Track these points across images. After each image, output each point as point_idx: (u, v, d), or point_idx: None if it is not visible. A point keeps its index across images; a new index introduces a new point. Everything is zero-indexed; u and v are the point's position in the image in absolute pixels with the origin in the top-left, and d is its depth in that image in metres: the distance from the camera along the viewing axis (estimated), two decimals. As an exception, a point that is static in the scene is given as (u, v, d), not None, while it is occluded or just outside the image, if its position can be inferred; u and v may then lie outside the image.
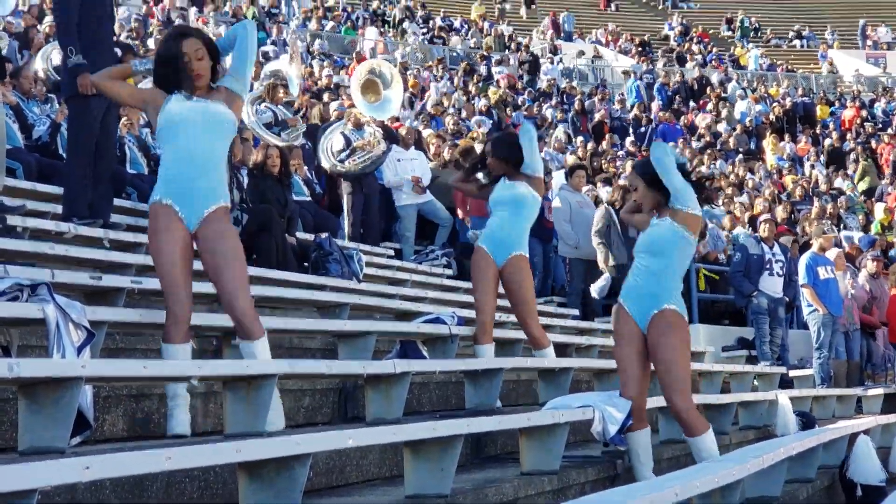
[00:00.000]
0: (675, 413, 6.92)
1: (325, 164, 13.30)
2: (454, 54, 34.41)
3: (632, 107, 30.13)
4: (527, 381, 9.04)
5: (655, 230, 6.91)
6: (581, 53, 37.63)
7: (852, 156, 28.61)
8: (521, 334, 9.18)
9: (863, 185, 26.43)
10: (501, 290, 8.35)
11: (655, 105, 30.68)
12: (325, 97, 19.28)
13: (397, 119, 16.72)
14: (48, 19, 17.14)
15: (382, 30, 35.97)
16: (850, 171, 27.24)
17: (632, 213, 7.35)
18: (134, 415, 5.76)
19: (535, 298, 8.73)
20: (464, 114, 23.97)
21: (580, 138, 25.27)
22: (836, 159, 28.41)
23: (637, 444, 6.99)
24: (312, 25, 33.66)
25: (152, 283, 7.01)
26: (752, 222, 16.89)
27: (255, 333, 5.87)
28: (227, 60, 6.23)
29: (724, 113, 31.29)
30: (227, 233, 5.97)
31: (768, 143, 29.23)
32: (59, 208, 9.24)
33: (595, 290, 13.52)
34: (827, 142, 29.77)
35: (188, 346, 5.81)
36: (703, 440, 6.80)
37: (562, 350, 9.82)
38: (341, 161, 13.16)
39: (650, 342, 6.87)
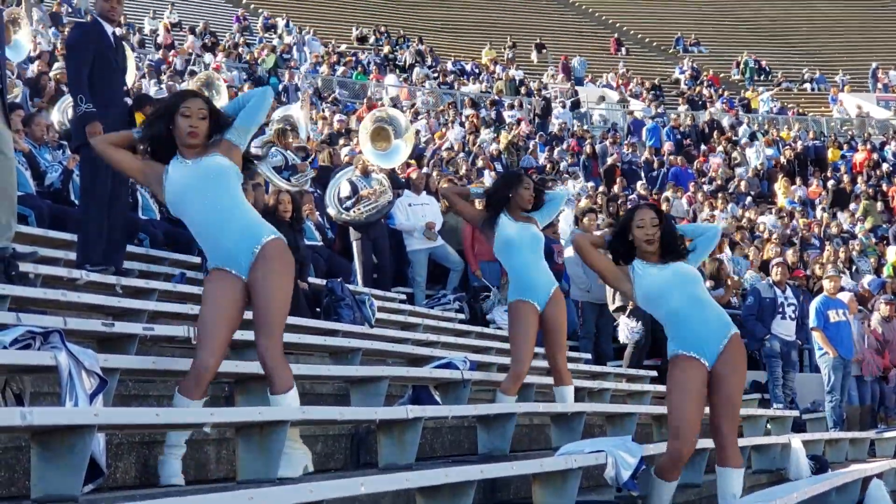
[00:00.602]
0: (722, 439, 6.82)
1: (331, 212, 13.35)
2: (465, 99, 34.55)
3: (651, 149, 30.16)
4: (539, 425, 9.02)
5: (677, 268, 6.86)
6: (602, 99, 37.78)
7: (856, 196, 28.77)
8: (534, 378, 9.18)
9: (866, 225, 26.51)
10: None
11: (667, 148, 30.75)
12: (340, 142, 19.35)
13: (408, 165, 16.77)
14: (58, 65, 17.26)
15: (401, 76, 36.17)
16: (854, 212, 27.32)
17: (594, 245, 7.21)
18: (146, 462, 5.76)
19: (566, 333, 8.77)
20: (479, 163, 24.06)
21: (591, 183, 25.31)
22: (840, 200, 28.49)
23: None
24: (323, 70, 33.86)
25: (164, 330, 7.05)
26: (765, 266, 16.87)
27: (280, 388, 5.73)
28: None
29: (735, 156, 31.35)
30: (270, 273, 5.80)
31: (780, 186, 29.25)
32: (71, 255, 9.28)
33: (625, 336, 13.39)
34: (830, 183, 29.79)
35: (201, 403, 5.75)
36: (737, 474, 6.79)
37: (574, 394, 9.80)
38: (346, 209, 13.20)
39: (726, 369, 6.77)
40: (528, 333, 8.22)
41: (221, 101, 12.96)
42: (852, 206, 27.84)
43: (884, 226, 26.87)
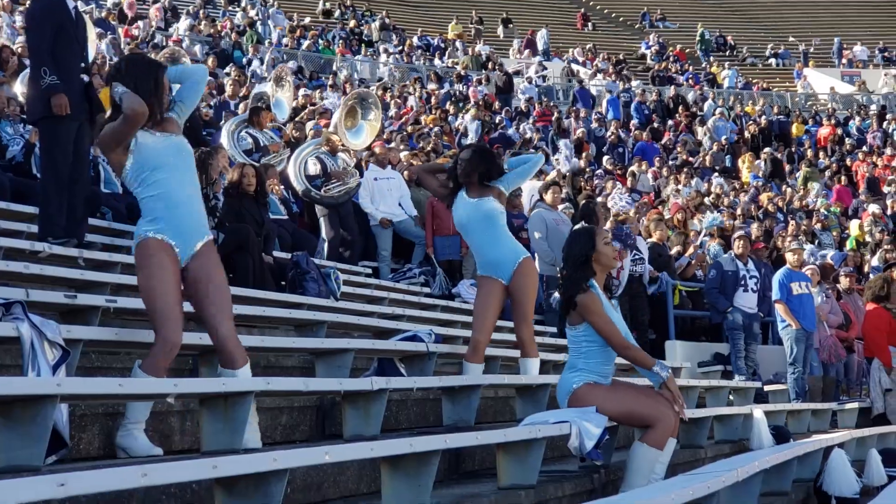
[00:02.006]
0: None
1: (298, 187, 13.25)
2: (431, 74, 34.47)
3: (610, 122, 30.24)
4: (504, 397, 9.06)
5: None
6: (569, 72, 37.79)
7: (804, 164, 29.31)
8: (498, 351, 9.22)
9: (809, 191, 27.21)
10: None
11: (633, 124, 30.86)
12: (303, 116, 19.30)
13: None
14: (20, 39, 17.12)
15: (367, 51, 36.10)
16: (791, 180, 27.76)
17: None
18: (110, 433, 5.76)
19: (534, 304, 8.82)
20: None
21: (556, 157, 25.33)
22: (777, 171, 28.77)
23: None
24: (287, 42, 33.71)
25: (127, 302, 7.03)
26: (727, 239, 16.98)
27: (238, 363, 5.91)
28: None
29: (699, 131, 31.47)
30: (214, 266, 6.02)
31: (744, 160, 29.39)
32: (33, 228, 9.25)
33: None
34: (766, 151, 29.96)
35: None
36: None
37: (539, 366, 9.84)
38: (316, 187, 13.16)
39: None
40: (485, 304, 8.28)
41: None
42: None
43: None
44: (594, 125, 29.79)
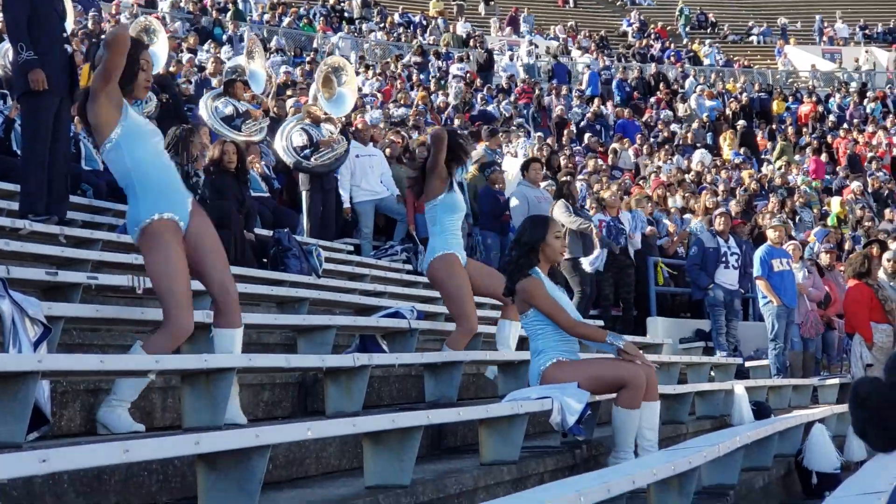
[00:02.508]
0: None
1: (288, 160, 13.24)
2: (416, 47, 34.38)
3: (590, 98, 30.25)
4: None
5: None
6: (563, 49, 37.76)
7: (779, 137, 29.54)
8: (480, 327, 9.20)
9: (780, 164, 27.35)
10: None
11: (612, 101, 30.87)
12: (287, 93, 19.25)
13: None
14: (-1, 15, 17.00)
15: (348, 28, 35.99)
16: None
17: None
18: (91, 410, 5.74)
19: None
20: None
21: (539, 134, 25.34)
22: (748, 141, 29.04)
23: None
24: (268, 19, 33.59)
25: (108, 279, 7.01)
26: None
27: (238, 321, 6.02)
28: None
29: (680, 108, 31.50)
30: (208, 222, 6.09)
31: (725, 138, 29.44)
32: (13, 205, 9.21)
33: (588, 263, 13.54)
34: (741, 124, 30.06)
35: None
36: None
37: (521, 343, 9.85)
38: (305, 157, 13.14)
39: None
40: (468, 290, 8.31)
41: (159, 44, 12.80)
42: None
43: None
44: (575, 102, 29.77)
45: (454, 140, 8.39)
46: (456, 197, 8.37)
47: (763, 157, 29.33)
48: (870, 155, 28.79)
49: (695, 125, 29.73)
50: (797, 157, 28.45)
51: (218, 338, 5.96)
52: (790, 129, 31.54)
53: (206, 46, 25.36)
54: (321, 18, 36.00)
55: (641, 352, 7.45)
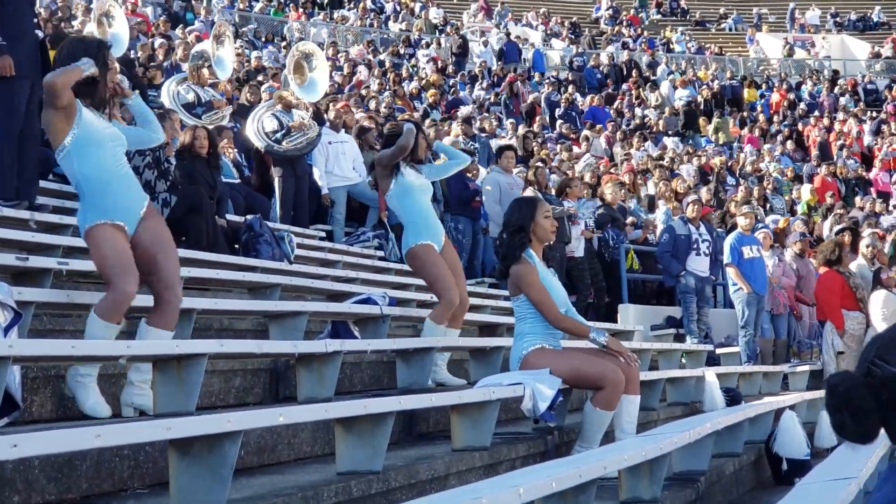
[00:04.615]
0: None
1: (259, 144, 13.18)
2: (385, 37, 34.34)
3: (561, 85, 30.35)
4: (458, 360, 9.08)
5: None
6: (521, 39, 37.81)
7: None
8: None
9: (719, 140, 28.15)
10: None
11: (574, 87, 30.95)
12: (259, 78, 19.18)
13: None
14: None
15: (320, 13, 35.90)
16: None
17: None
18: (62, 395, 5.72)
19: None
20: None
21: (511, 121, 25.34)
22: (690, 122, 29.41)
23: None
24: (240, 5, 33.45)
25: (79, 265, 6.98)
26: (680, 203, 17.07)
27: (174, 325, 6.02)
28: None
29: (651, 96, 31.55)
30: (163, 225, 6.12)
31: (709, 129, 29.55)
32: (-17, 191, 9.13)
33: None
34: (680, 99, 30.19)
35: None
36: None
37: (493, 329, 9.89)
38: (277, 141, 13.09)
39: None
40: (445, 270, 8.30)
41: (118, 27, 12.71)
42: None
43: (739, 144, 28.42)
44: (548, 90, 29.77)
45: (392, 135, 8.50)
46: (405, 180, 8.37)
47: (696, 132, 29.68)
48: (840, 143, 28.92)
49: (666, 113, 29.79)
50: (767, 146, 28.54)
51: (151, 335, 5.90)
52: (761, 117, 31.64)
53: (178, 31, 25.23)
54: (291, 4, 35.88)
55: (626, 348, 7.45)
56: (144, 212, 5.95)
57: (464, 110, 23.66)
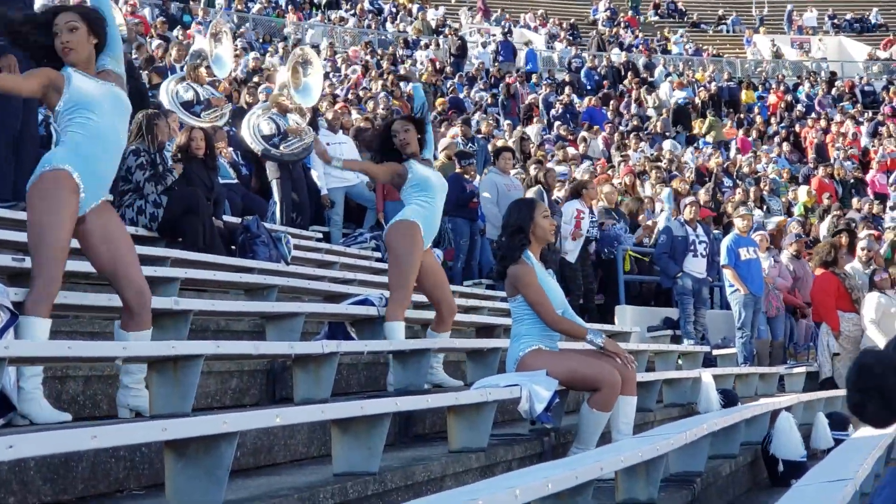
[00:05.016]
0: None
1: (257, 148, 13.17)
2: (382, 38, 34.35)
3: (560, 86, 30.37)
4: (455, 361, 9.08)
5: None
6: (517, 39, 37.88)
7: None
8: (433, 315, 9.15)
9: (709, 139, 28.16)
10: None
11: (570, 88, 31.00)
12: (255, 79, 19.17)
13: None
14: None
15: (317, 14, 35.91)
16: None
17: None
18: (59, 397, 5.72)
19: None
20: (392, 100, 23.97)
21: (508, 122, 25.35)
22: (682, 119, 29.75)
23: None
24: (237, 6, 33.46)
25: (75, 265, 6.96)
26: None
27: (149, 322, 5.80)
28: None
29: (649, 98, 31.57)
30: (121, 223, 5.91)
31: (701, 128, 29.57)
32: (-20, 191, 9.12)
33: None
34: (673, 101, 30.21)
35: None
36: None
37: (490, 331, 9.89)
38: (274, 145, 13.09)
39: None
40: (415, 260, 7.95)
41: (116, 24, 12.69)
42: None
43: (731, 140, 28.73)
44: (545, 91, 29.78)
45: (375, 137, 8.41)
46: (419, 174, 8.08)
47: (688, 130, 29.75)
48: (836, 144, 28.94)
49: (664, 114, 29.83)
50: (765, 147, 28.56)
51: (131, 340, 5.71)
52: (759, 119, 31.65)
53: (175, 32, 25.24)
54: (291, 7, 35.89)
55: (623, 349, 7.46)
56: (103, 203, 5.69)
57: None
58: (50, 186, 5.47)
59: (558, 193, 15.59)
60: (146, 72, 14.79)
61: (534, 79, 31.64)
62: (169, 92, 13.04)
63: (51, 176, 5.49)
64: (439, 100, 25.80)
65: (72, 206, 5.49)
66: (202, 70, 13.43)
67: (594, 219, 14.63)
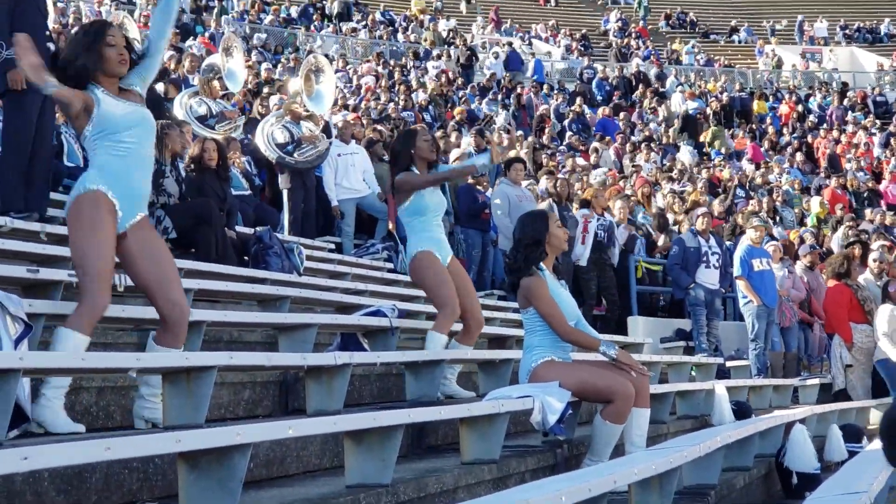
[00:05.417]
0: None
1: (271, 156, 13.22)
2: (394, 49, 34.40)
3: (572, 97, 30.37)
4: (467, 372, 9.07)
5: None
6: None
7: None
8: (459, 327, 9.20)
9: (715, 148, 28.39)
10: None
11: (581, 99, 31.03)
12: (265, 90, 19.22)
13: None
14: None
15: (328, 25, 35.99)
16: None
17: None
18: (72, 408, 5.72)
19: None
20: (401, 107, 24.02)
21: (520, 132, 25.35)
22: (689, 128, 29.61)
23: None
24: (250, 15, 33.55)
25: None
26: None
27: (182, 342, 5.85)
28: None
29: (661, 108, 31.57)
30: (160, 239, 6.00)
31: (706, 137, 29.53)
32: (-7, 203, 9.15)
33: None
34: (682, 109, 30.16)
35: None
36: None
37: (502, 342, 9.87)
38: (288, 153, 13.11)
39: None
40: (447, 279, 8.18)
41: (131, 36, 12.78)
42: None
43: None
44: (557, 101, 29.80)
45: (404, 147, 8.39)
46: (423, 201, 8.22)
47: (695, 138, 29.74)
48: (849, 155, 28.90)
49: (675, 125, 29.82)
50: (777, 158, 28.52)
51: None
52: (771, 129, 31.62)
53: (188, 43, 25.31)
54: (302, 19, 35.99)
55: (637, 361, 7.44)
56: (141, 218, 5.77)
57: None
58: (87, 208, 5.57)
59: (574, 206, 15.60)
60: (162, 83, 14.83)
61: (545, 89, 31.63)
62: (183, 105, 13.09)
63: (86, 198, 5.59)
64: (458, 109, 25.82)
65: (110, 226, 5.59)
66: (215, 83, 13.46)
67: (603, 223, 14.64)
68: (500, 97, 29.46)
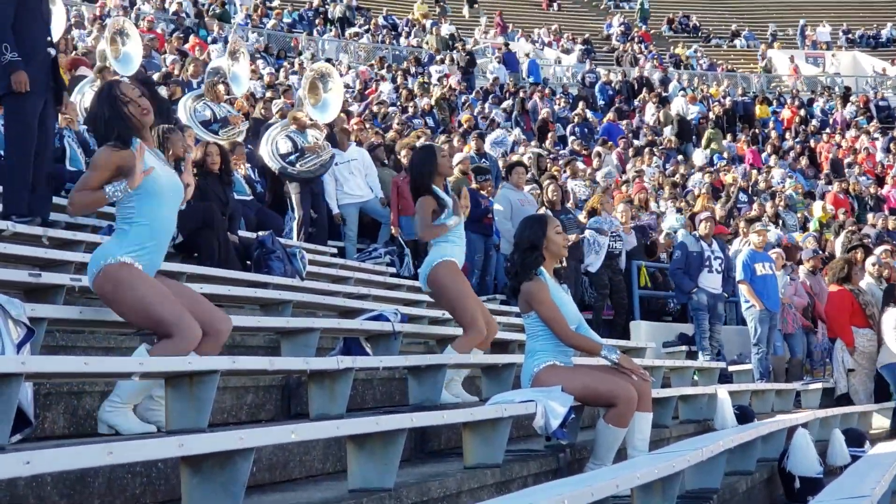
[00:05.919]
0: None
1: (274, 166, 13.20)
2: (397, 53, 34.42)
3: (575, 102, 30.39)
4: (470, 377, 9.07)
5: None
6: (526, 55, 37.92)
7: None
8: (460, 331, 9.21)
9: (709, 151, 28.37)
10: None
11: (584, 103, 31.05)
12: (269, 94, 19.23)
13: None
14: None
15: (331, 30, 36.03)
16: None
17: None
18: (75, 412, 5.72)
19: None
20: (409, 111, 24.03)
21: (523, 137, 25.35)
22: (684, 133, 29.85)
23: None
24: (253, 19, 33.58)
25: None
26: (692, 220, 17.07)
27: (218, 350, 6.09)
28: None
29: (662, 112, 31.57)
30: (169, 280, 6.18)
31: (703, 142, 29.57)
32: (-5, 207, 9.16)
33: None
34: (675, 113, 30.21)
35: None
36: None
37: (504, 346, 9.87)
38: (291, 164, 13.10)
39: None
40: (470, 291, 8.26)
41: (132, 45, 12.80)
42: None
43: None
44: (560, 106, 29.80)
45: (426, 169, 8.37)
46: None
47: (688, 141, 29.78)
48: (850, 160, 28.89)
49: (670, 128, 29.86)
50: (780, 162, 28.52)
51: None
52: (773, 134, 31.61)
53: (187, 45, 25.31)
54: (302, 23, 36.02)
55: (639, 365, 7.44)
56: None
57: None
58: (127, 274, 5.78)
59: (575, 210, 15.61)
60: (167, 86, 14.86)
61: (546, 93, 31.63)
62: (187, 109, 13.09)
63: (114, 268, 5.79)
64: (464, 116, 25.81)
65: (145, 276, 5.82)
66: (220, 87, 13.46)
67: (615, 235, 14.67)
68: (505, 104, 29.42)
